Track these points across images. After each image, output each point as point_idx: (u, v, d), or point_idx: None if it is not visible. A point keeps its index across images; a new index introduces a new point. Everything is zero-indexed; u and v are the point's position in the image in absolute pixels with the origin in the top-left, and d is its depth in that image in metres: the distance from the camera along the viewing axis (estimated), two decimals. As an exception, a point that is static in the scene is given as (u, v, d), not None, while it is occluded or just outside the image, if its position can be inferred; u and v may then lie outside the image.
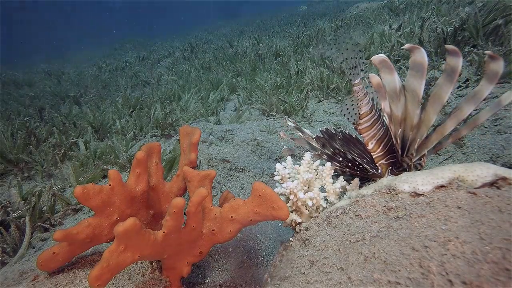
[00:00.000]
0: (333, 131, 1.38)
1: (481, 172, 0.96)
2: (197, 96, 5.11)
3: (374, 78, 1.08)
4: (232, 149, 3.09)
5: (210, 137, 3.30)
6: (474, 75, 2.83)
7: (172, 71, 7.47)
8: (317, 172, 1.38)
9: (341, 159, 1.33)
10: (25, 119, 4.28)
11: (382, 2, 8.62)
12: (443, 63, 3.38)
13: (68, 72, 9.89)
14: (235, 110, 4.50)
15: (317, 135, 1.38)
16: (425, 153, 1.15)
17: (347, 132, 1.36)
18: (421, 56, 0.96)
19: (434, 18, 4.73)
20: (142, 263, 1.39)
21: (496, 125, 2.22)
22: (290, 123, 1.53)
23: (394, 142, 1.18)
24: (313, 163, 1.38)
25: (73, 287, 1.25)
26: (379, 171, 1.29)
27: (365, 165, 1.26)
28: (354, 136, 1.37)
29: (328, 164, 1.34)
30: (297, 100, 3.95)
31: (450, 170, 1.01)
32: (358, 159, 1.27)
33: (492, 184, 0.96)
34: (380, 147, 1.30)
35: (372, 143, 1.32)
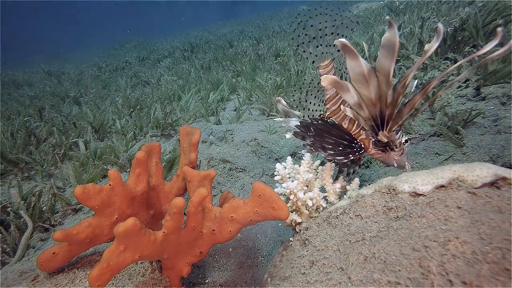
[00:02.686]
0: (308, 122, 1.35)
1: (481, 172, 0.96)
2: (197, 96, 5.10)
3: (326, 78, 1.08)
4: (232, 149, 3.09)
5: (210, 137, 3.30)
6: (474, 75, 2.83)
7: (172, 71, 7.47)
8: (317, 172, 1.38)
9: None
10: (25, 119, 4.28)
11: (382, 2, 8.62)
12: (443, 63, 3.38)
13: (68, 72, 9.88)
14: (235, 110, 4.49)
15: (294, 131, 1.35)
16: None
17: (319, 121, 1.33)
18: (394, 34, 0.94)
19: (434, 18, 4.72)
20: (142, 263, 1.39)
21: (496, 125, 2.22)
22: (280, 106, 1.52)
23: (366, 126, 1.21)
24: (313, 163, 1.38)
25: (73, 287, 1.25)
26: (362, 147, 1.30)
27: (338, 159, 1.26)
28: (329, 122, 1.35)
29: (328, 164, 1.34)
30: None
31: (450, 170, 1.01)
32: (331, 153, 1.26)
33: (492, 184, 0.96)
34: (355, 125, 1.30)
35: (345, 123, 1.33)
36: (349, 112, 1.20)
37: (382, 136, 1.22)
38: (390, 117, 1.16)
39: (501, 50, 0.90)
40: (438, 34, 0.90)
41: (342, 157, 1.26)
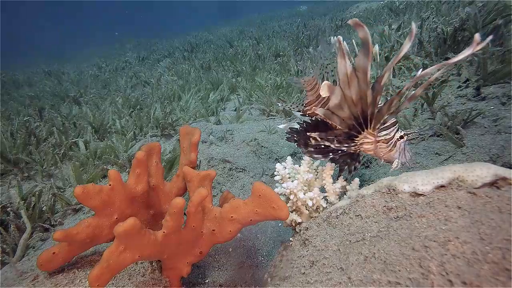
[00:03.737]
0: (298, 126, 1.44)
1: (481, 172, 0.96)
2: (197, 96, 5.10)
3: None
4: (232, 149, 3.09)
5: (210, 137, 3.30)
6: (474, 75, 2.83)
7: (172, 71, 7.47)
8: (317, 172, 1.38)
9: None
10: (25, 119, 4.28)
11: (382, 2, 8.62)
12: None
13: (68, 72, 9.88)
14: (235, 110, 4.49)
15: (286, 137, 1.43)
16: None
17: (305, 123, 1.42)
18: (365, 33, 0.97)
19: (434, 18, 4.72)
20: (142, 263, 1.39)
21: (496, 125, 2.22)
22: (282, 107, 1.59)
23: (342, 125, 1.24)
24: (313, 163, 1.38)
25: (73, 287, 1.25)
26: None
27: (315, 156, 1.32)
28: (317, 121, 1.41)
29: (329, 164, 1.34)
30: (297, 100, 3.95)
31: (450, 170, 1.01)
32: (311, 150, 1.32)
33: (492, 184, 0.96)
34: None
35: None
36: (319, 112, 1.22)
37: (367, 134, 1.26)
38: (372, 116, 1.20)
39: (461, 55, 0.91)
40: (410, 34, 0.92)
41: (320, 155, 1.31)
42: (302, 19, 11.41)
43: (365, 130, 1.25)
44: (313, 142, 1.31)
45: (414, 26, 0.90)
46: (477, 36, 0.85)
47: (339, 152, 1.30)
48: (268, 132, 3.38)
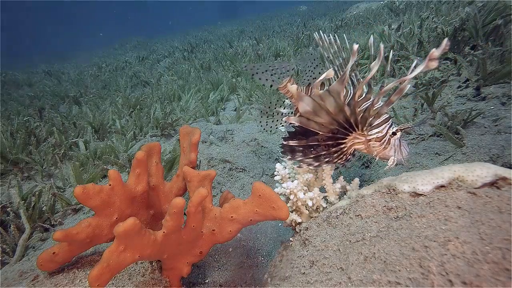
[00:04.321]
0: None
1: (481, 172, 0.96)
2: (197, 96, 5.10)
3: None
4: (232, 149, 3.09)
5: (210, 137, 3.30)
6: (474, 75, 2.83)
7: (172, 71, 7.47)
8: (317, 172, 1.38)
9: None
10: (25, 119, 4.28)
11: (382, 2, 8.62)
12: (443, 63, 3.38)
13: (68, 72, 9.88)
14: (235, 110, 4.49)
15: (281, 151, 1.42)
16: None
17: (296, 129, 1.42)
18: (350, 63, 0.98)
19: (434, 18, 4.72)
20: (142, 263, 1.39)
21: (496, 125, 2.22)
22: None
23: (321, 130, 1.25)
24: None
25: (73, 287, 1.25)
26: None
27: (306, 161, 1.30)
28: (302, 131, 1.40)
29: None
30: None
31: (450, 170, 1.01)
32: (301, 155, 1.32)
33: (492, 184, 0.96)
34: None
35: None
36: (293, 120, 1.21)
37: (356, 135, 1.27)
38: (357, 121, 1.22)
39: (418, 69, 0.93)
40: (379, 53, 0.94)
41: (317, 163, 1.30)
42: (302, 19, 11.41)
43: (354, 132, 1.25)
44: (301, 148, 1.29)
45: (382, 46, 0.93)
46: (434, 52, 0.85)
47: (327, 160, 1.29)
48: (268, 132, 3.38)
